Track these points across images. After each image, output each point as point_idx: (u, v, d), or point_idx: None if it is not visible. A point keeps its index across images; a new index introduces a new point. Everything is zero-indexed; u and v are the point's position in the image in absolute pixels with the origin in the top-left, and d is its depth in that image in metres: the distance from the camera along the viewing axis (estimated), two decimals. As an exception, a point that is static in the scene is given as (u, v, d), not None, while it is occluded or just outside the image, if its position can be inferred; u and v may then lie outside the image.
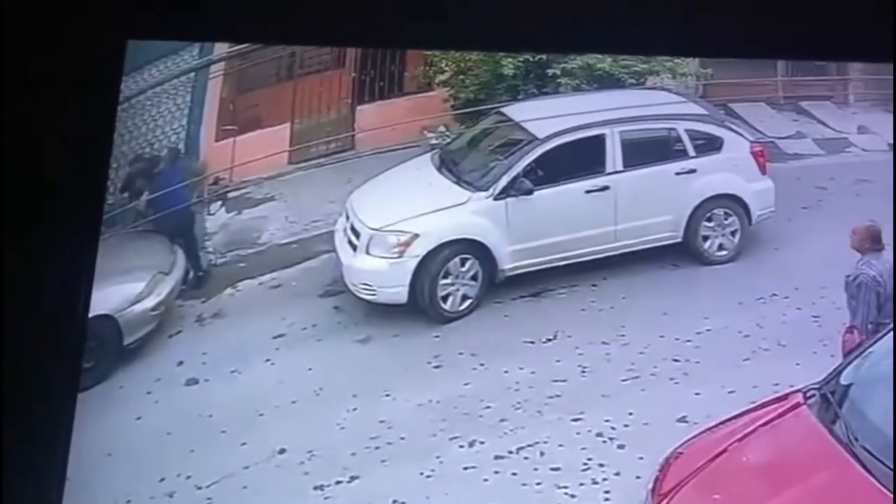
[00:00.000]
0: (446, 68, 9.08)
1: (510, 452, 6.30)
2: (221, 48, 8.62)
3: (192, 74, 8.65)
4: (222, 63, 8.72)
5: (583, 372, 6.87)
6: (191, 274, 7.74)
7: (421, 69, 9.16)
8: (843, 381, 5.61)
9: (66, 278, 5.20)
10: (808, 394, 5.61)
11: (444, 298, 7.45)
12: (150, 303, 7.17)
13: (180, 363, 7.04)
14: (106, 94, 5.29)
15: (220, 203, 8.17)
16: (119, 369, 6.88)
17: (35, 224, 5.15)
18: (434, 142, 8.76)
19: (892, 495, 4.68)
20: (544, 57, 8.57)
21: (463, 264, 7.53)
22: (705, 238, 7.89)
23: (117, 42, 5.27)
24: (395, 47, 8.45)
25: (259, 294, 7.70)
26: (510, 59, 8.68)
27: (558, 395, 6.70)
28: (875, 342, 5.75)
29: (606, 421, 6.47)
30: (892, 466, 4.95)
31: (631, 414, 6.49)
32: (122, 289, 7.02)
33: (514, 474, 6.18)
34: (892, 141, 9.16)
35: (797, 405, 5.60)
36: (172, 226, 7.85)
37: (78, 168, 5.26)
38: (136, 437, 6.42)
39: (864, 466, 5.07)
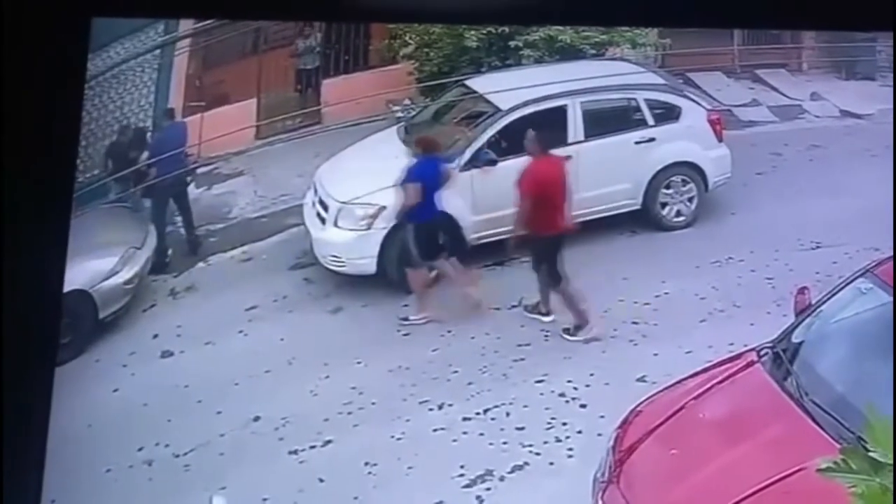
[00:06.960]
0: (410, 41, 9.15)
1: (477, 414, 6.45)
2: (187, 25, 8.65)
3: (158, 51, 8.66)
4: (188, 39, 8.75)
5: (546, 336, 7.05)
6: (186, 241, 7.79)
7: (385, 43, 9.23)
8: (795, 339, 5.73)
9: (40, 255, 5.23)
10: (762, 352, 5.71)
11: (413, 268, 7.58)
12: (123, 277, 7.26)
13: (155, 336, 7.15)
14: (72, 73, 5.28)
15: (189, 179, 8.23)
16: (95, 343, 6.98)
17: (6, 202, 5.17)
18: (399, 115, 8.83)
19: (838, 445, 4.80)
20: (507, 29, 8.67)
21: (430, 235, 7.67)
22: (663, 205, 8.07)
23: (82, 19, 5.26)
24: (358, 21, 8.49)
25: (230, 267, 7.80)
26: (473, 32, 8.77)
27: (522, 359, 6.86)
28: (824, 302, 5.88)
29: (569, 382, 6.64)
30: (839, 418, 5.09)
31: (592, 374, 6.67)
32: (96, 264, 7.08)
33: (481, 434, 6.34)
34: (843, 107, 9.42)
35: (751, 363, 5.71)
36: (169, 192, 7.91)
37: (47, 146, 5.29)
38: (114, 408, 6.51)
39: (813, 419, 5.21)
